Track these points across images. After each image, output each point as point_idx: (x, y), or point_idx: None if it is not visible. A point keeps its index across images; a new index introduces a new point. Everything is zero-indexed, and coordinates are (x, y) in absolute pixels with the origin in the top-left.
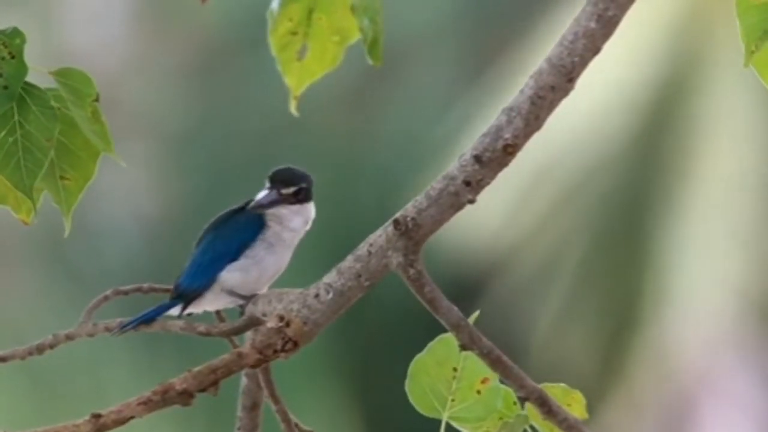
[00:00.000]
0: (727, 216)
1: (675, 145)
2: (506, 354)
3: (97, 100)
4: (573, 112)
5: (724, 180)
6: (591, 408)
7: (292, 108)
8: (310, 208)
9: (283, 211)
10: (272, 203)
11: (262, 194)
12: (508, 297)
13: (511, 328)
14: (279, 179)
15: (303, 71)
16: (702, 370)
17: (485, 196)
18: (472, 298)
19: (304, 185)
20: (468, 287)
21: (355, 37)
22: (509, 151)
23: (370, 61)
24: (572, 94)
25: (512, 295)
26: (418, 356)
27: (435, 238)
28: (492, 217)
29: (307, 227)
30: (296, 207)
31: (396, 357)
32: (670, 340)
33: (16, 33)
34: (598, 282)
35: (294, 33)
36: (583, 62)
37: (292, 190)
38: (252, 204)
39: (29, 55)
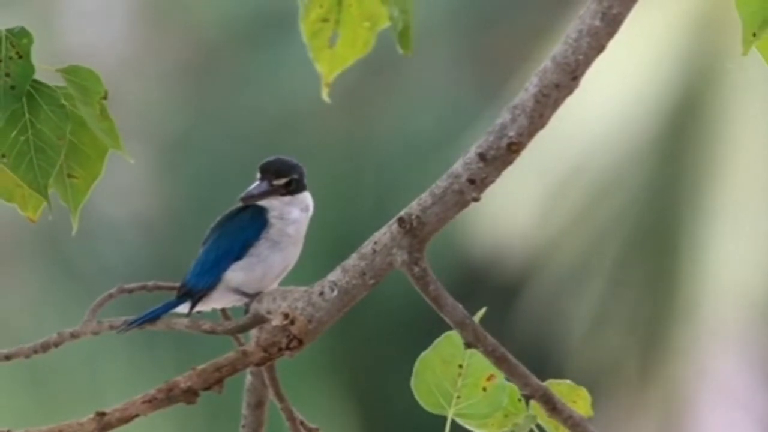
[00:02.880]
0: (755, 213)
1: (702, 143)
2: (543, 353)
3: (105, 97)
4: (601, 113)
5: (751, 176)
6: (625, 405)
7: (324, 95)
8: (304, 198)
9: (275, 202)
10: (263, 194)
11: (253, 185)
12: (544, 297)
13: (547, 328)
14: (270, 170)
15: (334, 58)
16: (712, 369)
17: (518, 197)
18: (507, 300)
19: (295, 176)
20: (503, 289)
21: (386, 23)
22: (513, 149)
23: (401, 51)
24: (601, 95)
25: (548, 295)
26: (424, 354)
27: (470, 241)
28: (525, 218)
29: (309, 213)
30: (287, 198)
31: (399, 354)
32: (703, 339)
33: (23, 33)
34: (633, 280)
35: (325, 20)
36: (588, 60)
37: (282, 181)
38: (242, 195)
39: None
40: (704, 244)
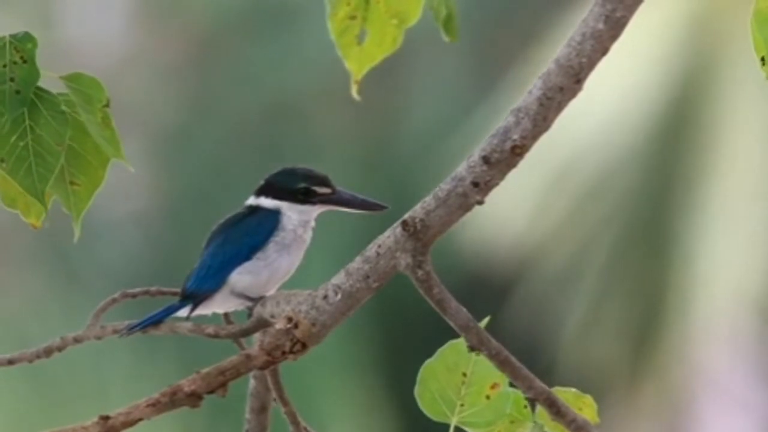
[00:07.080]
0: (747, 213)
1: (695, 142)
2: (534, 353)
3: (107, 105)
4: (594, 112)
5: (744, 177)
6: (618, 406)
7: (354, 92)
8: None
9: (289, 206)
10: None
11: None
12: (535, 297)
13: (538, 327)
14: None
15: (363, 55)
16: (705, 368)
17: (510, 197)
18: (499, 299)
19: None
20: (495, 288)
21: (414, 19)
22: (517, 152)
23: (446, 38)
24: (594, 94)
25: (539, 294)
26: (428, 362)
27: (461, 240)
28: (517, 217)
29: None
30: (304, 207)
31: (416, 356)
32: (695, 338)
33: (27, 38)
34: (624, 280)
35: (352, 17)
36: (591, 63)
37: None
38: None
39: None
40: (696, 243)
